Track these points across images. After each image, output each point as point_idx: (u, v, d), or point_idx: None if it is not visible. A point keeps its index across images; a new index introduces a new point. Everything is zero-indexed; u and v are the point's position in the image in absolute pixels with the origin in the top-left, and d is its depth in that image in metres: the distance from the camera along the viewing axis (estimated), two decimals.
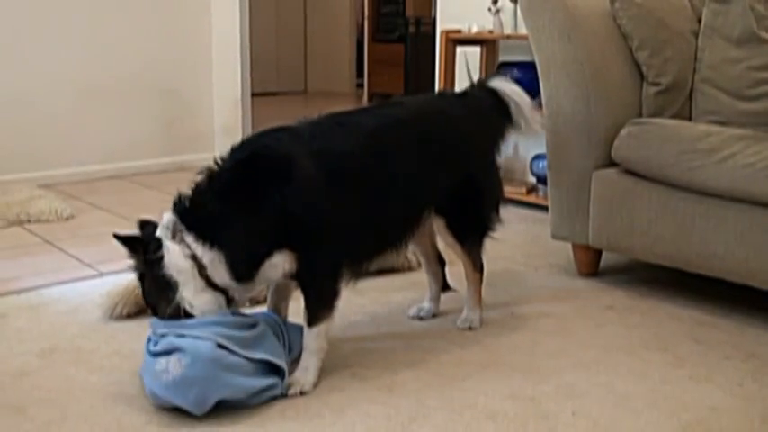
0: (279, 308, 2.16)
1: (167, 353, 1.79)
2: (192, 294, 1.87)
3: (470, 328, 2.37)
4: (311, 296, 1.99)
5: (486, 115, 2.40)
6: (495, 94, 2.42)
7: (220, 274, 1.88)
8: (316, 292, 1.99)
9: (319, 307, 1.98)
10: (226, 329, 1.83)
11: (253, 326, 1.90)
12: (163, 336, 1.84)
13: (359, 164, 2.04)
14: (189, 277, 1.86)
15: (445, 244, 2.36)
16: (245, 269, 1.90)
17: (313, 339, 1.98)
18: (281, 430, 1.75)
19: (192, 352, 1.76)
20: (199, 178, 1.94)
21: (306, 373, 1.96)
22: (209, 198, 1.90)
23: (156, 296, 1.91)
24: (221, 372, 1.77)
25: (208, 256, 1.86)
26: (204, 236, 1.86)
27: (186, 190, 1.92)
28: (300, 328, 2.02)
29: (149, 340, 1.89)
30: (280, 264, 1.92)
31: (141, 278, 1.94)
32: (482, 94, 2.44)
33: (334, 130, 2.06)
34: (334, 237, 1.98)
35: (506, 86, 2.44)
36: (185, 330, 1.81)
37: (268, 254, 1.90)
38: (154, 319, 1.93)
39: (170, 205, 1.92)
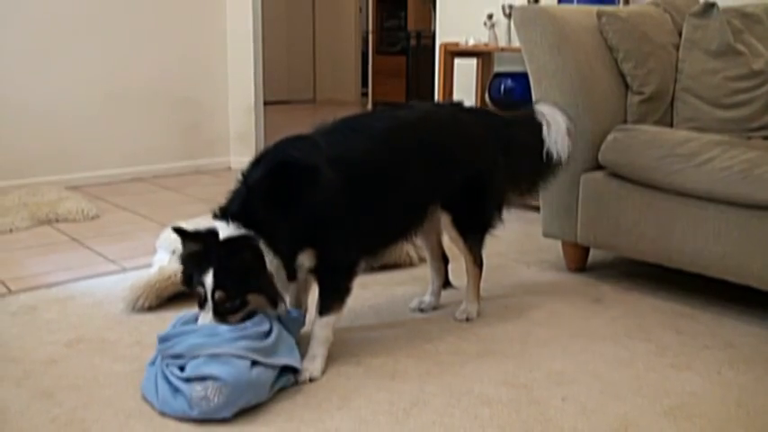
0: (300, 300, 2.15)
1: (202, 378, 1.69)
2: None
3: (467, 320, 2.36)
4: (326, 289, 2.00)
5: (500, 128, 2.40)
6: (531, 114, 2.45)
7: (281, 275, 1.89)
8: (330, 287, 2.00)
9: (332, 300, 1.99)
10: (251, 342, 1.77)
11: (269, 332, 1.85)
12: (179, 357, 1.76)
13: (373, 167, 2.05)
14: (280, 272, 1.88)
15: (449, 238, 2.35)
16: (291, 269, 1.91)
17: (321, 329, 1.99)
18: (292, 415, 1.75)
19: (229, 380, 1.68)
20: (235, 187, 1.92)
21: (314, 361, 1.96)
22: (258, 205, 1.87)
23: (263, 287, 1.83)
24: (256, 387, 1.75)
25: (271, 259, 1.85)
26: (269, 241, 1.83)
27: (224, 200, 1.90)
28: (296, 320, 2.02)
29: (159, 359, 1.82)
30: (304, 262, 1.93)
31: (223, 272, 1.79)
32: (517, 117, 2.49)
33: (348, 137, 2.06)
34: (351, 236, 2.00)
35: (544, 107, 2.47)
36: (213, 349, 1.73)
37: (298, 253, 1.91)
38: (164, 340, 1.82)
39: (214, 213, 1.88)
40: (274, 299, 1.87)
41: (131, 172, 4.70)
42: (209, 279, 1.79)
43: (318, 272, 1.98)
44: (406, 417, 1.75)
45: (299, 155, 1.96)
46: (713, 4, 2.78)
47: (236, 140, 5.14)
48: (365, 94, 10.20)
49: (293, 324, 2.00)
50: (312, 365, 1.95)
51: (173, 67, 4.83)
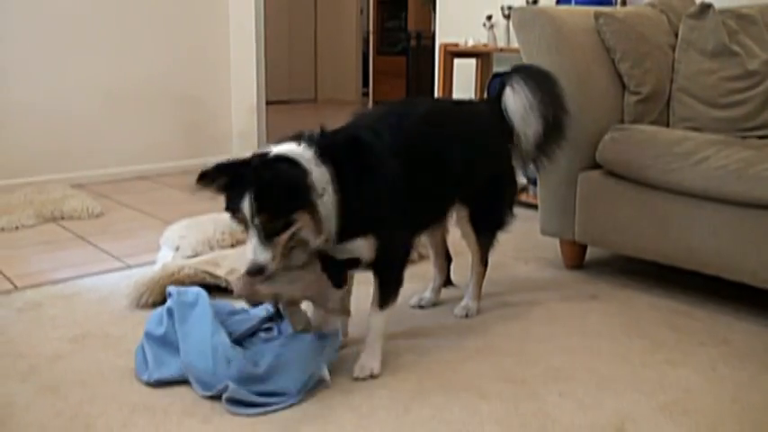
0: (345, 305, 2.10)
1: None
2: None
3: (467, 316, 2.36)
4: (385, 281, 1.98)
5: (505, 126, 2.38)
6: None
7: None
8: (389, 278, 1.99)
9: (390, 292, 1.99)
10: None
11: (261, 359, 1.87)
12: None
13: (425, 150, 2.04)
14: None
15: (462, 233, 2.34)
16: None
17: (381, 322, 1.98)
18: (294, 411, 1.76)
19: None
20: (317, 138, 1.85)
21: (374, 356, 1.95)
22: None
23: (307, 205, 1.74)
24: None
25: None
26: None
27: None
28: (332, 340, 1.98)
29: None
30: (362, 248, 1.89)
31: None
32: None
33: (399, 122, 2.03)
34: (407, 224, 2.00)
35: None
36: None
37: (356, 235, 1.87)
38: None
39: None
40: (320, 223, 1.75)
41: (135, 170, 4.70)
42: (246, 202, 1.69)
43: (378, 263, 1.93)
44: (406, 412, 1.75)
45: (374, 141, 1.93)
46: (709, 6, 2.78)
47: (239, 139, 5.14)
48: (366, 94, 10.20)
49: (330, 343, 1.95)
50: (372, 361, 1.94)
51: (176, 66, 4.83)
